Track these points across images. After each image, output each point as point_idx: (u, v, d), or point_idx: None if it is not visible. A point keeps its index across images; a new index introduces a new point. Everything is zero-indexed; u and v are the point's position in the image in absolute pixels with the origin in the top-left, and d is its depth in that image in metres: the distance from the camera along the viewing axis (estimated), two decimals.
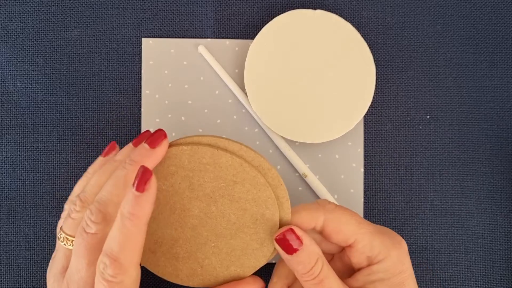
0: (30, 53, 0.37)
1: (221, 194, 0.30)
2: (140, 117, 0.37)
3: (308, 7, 0.38)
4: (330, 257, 0.34)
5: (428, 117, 0.39)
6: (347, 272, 0.32)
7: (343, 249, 0.32)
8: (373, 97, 0.39)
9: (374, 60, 0.39)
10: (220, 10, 0.38)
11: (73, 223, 0.29)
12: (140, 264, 0.30)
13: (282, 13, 0.37)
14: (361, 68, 0.36)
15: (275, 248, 0.30)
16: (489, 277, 0.39)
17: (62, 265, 0.29)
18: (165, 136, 0.29)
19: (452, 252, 0.39)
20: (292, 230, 0.29)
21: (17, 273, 0.37)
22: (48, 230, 0.37)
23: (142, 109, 0.37)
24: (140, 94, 0.37)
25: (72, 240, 0.29)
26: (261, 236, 0.30)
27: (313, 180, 0.37)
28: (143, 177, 0.26)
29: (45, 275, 0.37)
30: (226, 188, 0.30)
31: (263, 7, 0.38)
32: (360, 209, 0.38)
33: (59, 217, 0.37)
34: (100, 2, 0.37)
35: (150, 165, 0.28)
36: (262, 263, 0.31)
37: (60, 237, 0.29)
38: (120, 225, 0.26)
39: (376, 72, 0.39)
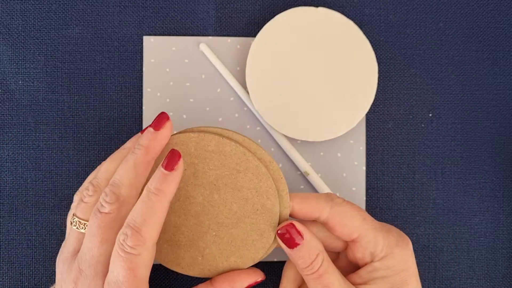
0: (32, 51, 0.37)
1: (224, 183, 0.30)
2: (141, 115, 0.37)
3: (310, 5, 0.38)
4: (336, 256, 0.34)
5: (430, 115, 0.39)
6: (353, 269, 0.33)
7: (347, 246, 0.32)
8: (375, 95, 0.38)
9: (376, 58, 0.39)
10: (221, 7, 0.38)
11: (86, 207, 0.30)
12: None
13: (283, 10, 0.37)
14: (363, 66, 0.36)
15: (274, 241, 0.31)
16: (491, 276, 0.39)
17: (73, 247, 0.30)
18: (167, 118, 0.30)
19: (454, 251, 0.39)
20: (293, 225, 0.30)
21: (19, 271, 0.37)
22: (50, 228, 0.37)
23: (143, 107, 0.37)
24: (142, 92, 0.37)
25: (85, 224, 0.29)
26: (261, 227, 0.31)
27: (315, 178, 0.37)
28: (172, 158, 0.28)
29: (47, 273, 0.37)
30: (229, 177, 0.30)
31: (265, 4, 0.38)
32: (362, 207, 0.38)
33: (60, 215, 0.37)
34: (101, 0, 0.37)
35: (157, 147, 0.30)
36: (261, 254, 0.31)
37: (73, 222, 0.30)
38: (145, 198, 0.28)
39: (378, 70, 0.39)
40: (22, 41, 0.37)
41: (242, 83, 0.37)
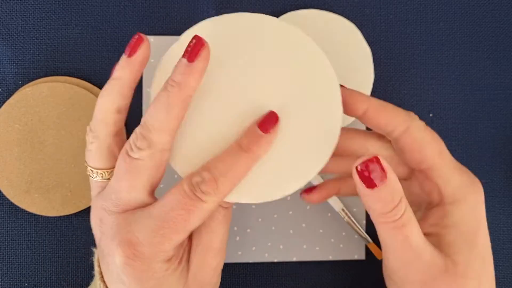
0: (31, 51, 0.37)
1: (65, 118, 0.35)
2: (141, 115, 0.37)
3: (310, 5, 0.38)
4: None
5: (431, 115, 0.39)
6: (412, 205, 0.28)
7: (413, 176, 0.29)
8: (375, 94, 0.38)
9: (377, 58, 0.39)
10: (221, 7, 0.38)
11: (89, 155, 0.27)
12: (18, 206, 0.35)
13: (283, 10, 0.37)
14: (360, 65, 0.36)
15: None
16: None
17: (97, 191, 0.27)
18: (202, 44, 0.25)
19: None
20: (377, 160, 0.23)
21: (18, 271, 0.37)
22: (50, 228, 0.37)
23: (143, 107, 0.37)
24: (141, 92, 0.37)
25: (98, 172, 0.26)
26: None
27: (316, 179, 0.37)
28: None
29: (47, 273, 0.37)
30: (67, 111, 0.35)
31: (264, 5, 0.38)
32: (362, 208, 0.38)
33: (60, 215, 0.37)
34: (101, 0, 0.37)
35: (194, 82, 0.25)
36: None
37: (87, 171, 0.27)
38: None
39: (379, 70, 0.39)
40: (22, 41, 0.37)
41: None
